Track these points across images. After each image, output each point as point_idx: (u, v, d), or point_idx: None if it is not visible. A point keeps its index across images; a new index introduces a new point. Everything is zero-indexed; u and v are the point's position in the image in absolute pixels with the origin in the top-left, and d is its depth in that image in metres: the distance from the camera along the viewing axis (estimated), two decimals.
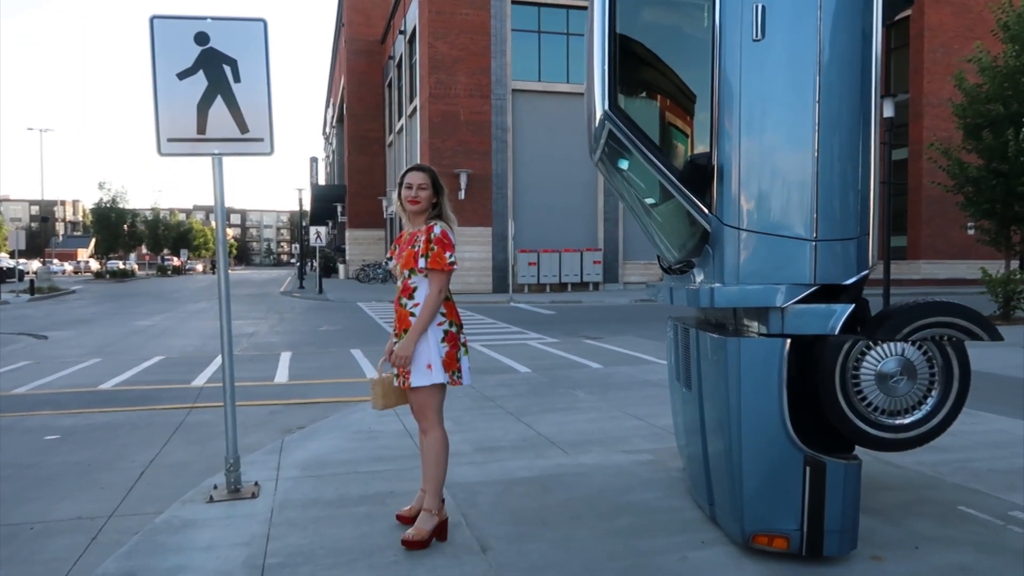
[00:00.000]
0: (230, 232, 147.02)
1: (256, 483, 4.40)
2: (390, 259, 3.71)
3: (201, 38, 4.21)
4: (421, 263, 3.45)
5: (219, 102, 4.24)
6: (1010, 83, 16.86)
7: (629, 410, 6.43)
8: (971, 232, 22.19)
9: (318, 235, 29.68)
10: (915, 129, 30.73)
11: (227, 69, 4.25)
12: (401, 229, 3.78)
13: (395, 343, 3.56)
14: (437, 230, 3.48)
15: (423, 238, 3.49)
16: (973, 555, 3.30)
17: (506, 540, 3.51)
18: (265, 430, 6.33)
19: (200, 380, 9.11)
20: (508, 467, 4.77)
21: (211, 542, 3.56)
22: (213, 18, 4.24)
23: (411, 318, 3.46)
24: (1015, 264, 17.17)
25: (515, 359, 10.46)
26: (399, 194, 3.59)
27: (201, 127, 4.24)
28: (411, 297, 3.49)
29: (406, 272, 3.50)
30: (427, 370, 3.43)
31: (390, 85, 41.09)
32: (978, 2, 28.85)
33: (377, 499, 4.15)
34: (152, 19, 4.16)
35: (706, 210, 3.21)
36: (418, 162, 3.73)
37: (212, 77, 4.23)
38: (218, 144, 4.27)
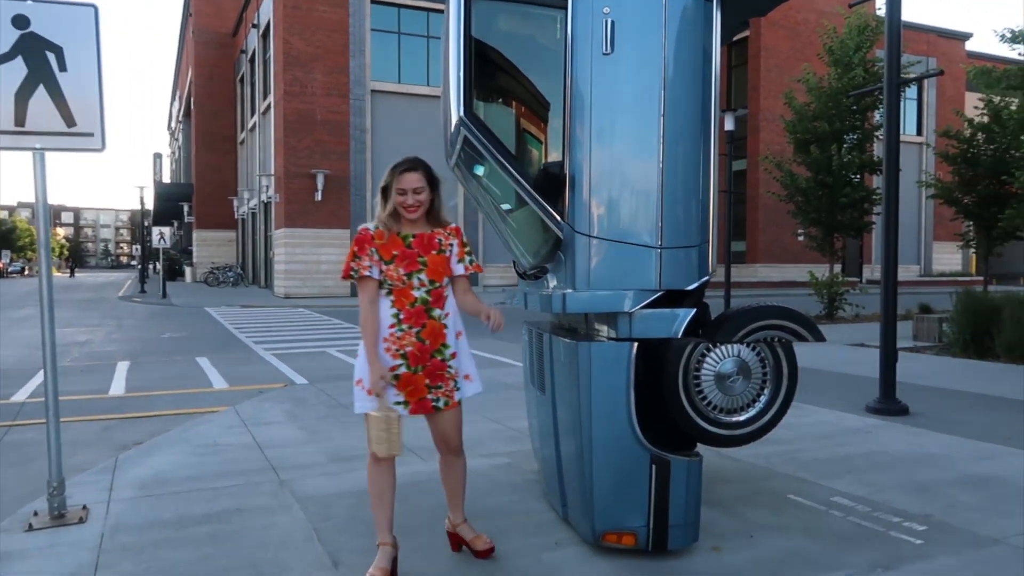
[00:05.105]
0: (61, 232, 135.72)
1: (84, 507, 4.05)
2: (370, 266, 3.09)
3: (20, 21, 3.83)
4: (459, 269, 3.24)
5: (41, 92, 3.88)
6: (834, 103, 18.49)
7: (486, 413, 6.46)
8: (801, 239, 24.07)
9: (161, 236, 27.92)
10: (752, 142, 33.07)
11: (51, 56, 3.89)
12: (376, 229, 3.18)
13: (401, 366, 3.10)
14: (462, 233, 3.32)
15: (455, 241, 3.26)
16: (801, 540, 3.55)
17: (361, 553, 3.42)
18: (97, 448, 5.85)
19: (22, 395, 8.30)
20: (363, 477, 4.63)
21: (30, 575, 3.24)
22: (35, 0, 3.87)
23: (445, 331, 3.16)
24: (838, 268, 18.77)
25: None
26: (387, 199, 3.15)
27: (20, 119, 3.85)
28: (443, 308, 3.18)
29: (444, 280, 3.19)
30: (468, 381, 3.29)
31: (242, 80, 39.35)
32: (807, 27, 31.44)
33: (222, 517, 3.93)
34: None
35: (559, 217, 3.27)
36: (408, 156, 3.28)
37: (33, 64, 3.85)
38: (40, 138, 3.90)
